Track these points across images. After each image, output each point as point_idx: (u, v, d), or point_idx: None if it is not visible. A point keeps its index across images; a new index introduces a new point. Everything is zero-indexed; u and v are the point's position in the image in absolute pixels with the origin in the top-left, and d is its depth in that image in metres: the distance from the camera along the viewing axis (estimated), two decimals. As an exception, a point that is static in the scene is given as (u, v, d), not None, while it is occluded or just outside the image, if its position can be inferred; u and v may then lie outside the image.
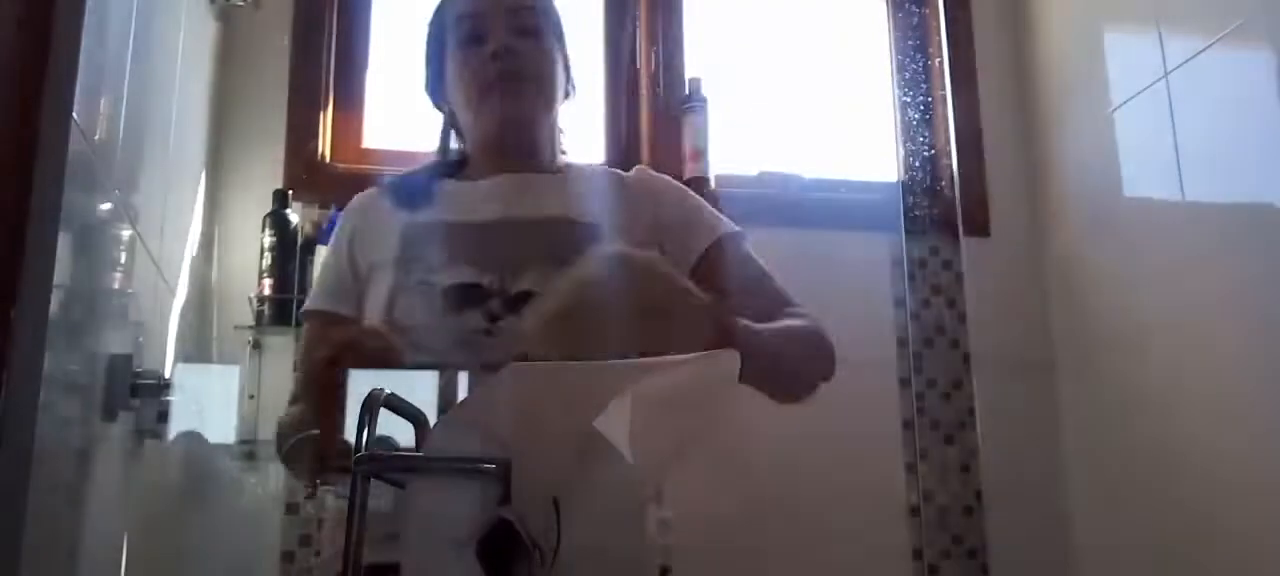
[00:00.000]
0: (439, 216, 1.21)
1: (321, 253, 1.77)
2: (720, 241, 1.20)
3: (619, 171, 1.31)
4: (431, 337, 1.12)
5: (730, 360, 0.84)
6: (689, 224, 1.23)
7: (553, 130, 1.30)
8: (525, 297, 1.10)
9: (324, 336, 1.09)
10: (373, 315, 1.15)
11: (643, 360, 0.77)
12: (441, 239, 1.17)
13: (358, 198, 1.29)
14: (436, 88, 1.32)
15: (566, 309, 0.91)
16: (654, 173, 1.32)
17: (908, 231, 2.14)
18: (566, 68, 1.31)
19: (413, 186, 1.26)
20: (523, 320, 1.06)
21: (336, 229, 1.29)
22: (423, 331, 1.12)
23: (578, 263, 0.93)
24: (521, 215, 1.19)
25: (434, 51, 1.31)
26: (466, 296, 1.12)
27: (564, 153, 1.33)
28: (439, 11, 1.33)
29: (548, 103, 1.26)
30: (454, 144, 1.33)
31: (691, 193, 1.30)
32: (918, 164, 2.22)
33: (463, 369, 1.08)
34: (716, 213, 1.26)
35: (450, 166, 1.30)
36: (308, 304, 1.26)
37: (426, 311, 1.12)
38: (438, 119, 1.36)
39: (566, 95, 1.32)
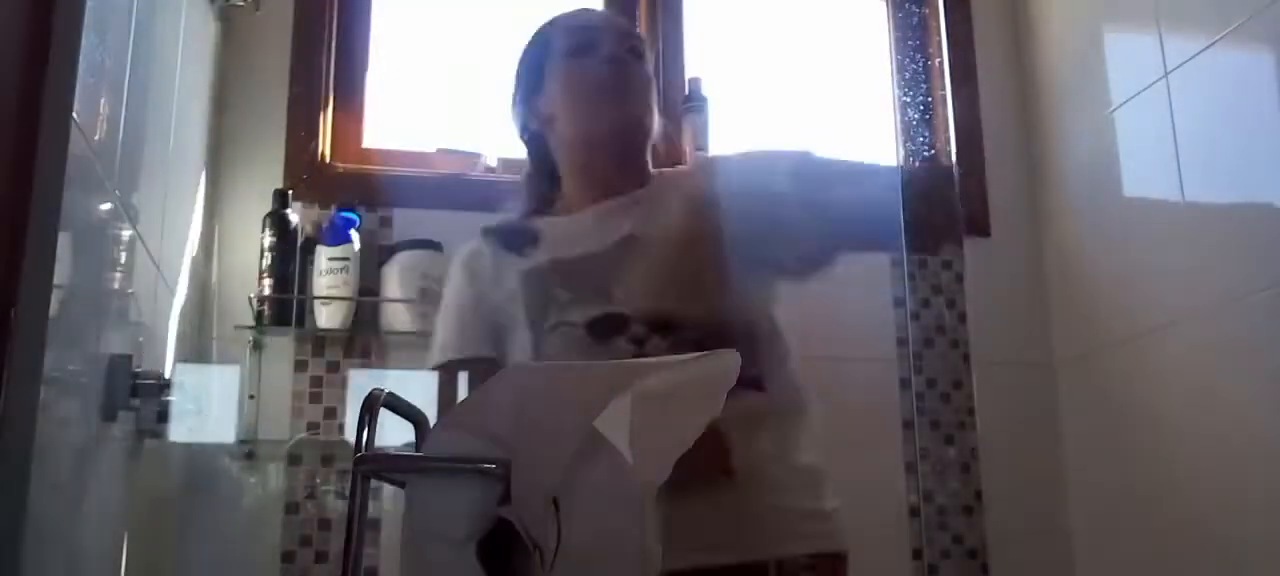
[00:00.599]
0: (556, 254, 1.22)
1: (322, 252, 1.78)
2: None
3: (683, 168, 1.35)
4: None
5: (730, 360, 0.84)
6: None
7: (649, 151, 1.31)
8: (661, 317, 1.14)
9: None
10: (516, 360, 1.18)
11: (643, 360, 0.77)
12: (566, 276, 1.19)
13: (465, 250, 1.30)
14: (529, 109, 1.31)
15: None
16: (709, 156, 1.35)
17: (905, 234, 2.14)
18: (657, 103, 1.32)
19: (517, 230, 1.28)
20: None
21: (451, 284, 1.30)
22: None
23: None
24: (639, 233, 1.20)
25: (531, 72, 1.31)
26: (608, 326, 1.15)
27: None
28: (542, 33, 1.33)
29: (649, 123, 1.28)
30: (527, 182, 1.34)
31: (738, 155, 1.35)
32: (918, 164, 2.22)
33: None
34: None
35: (541, 202, 1.31)
36: (441, 357, 1.27)
37: (574, 351, 1.15)
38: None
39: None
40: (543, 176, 1.32)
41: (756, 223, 1.18)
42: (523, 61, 1.33)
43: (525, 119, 1.32)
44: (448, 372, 1.26)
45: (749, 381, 1.09)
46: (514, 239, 1.27)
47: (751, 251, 1.18)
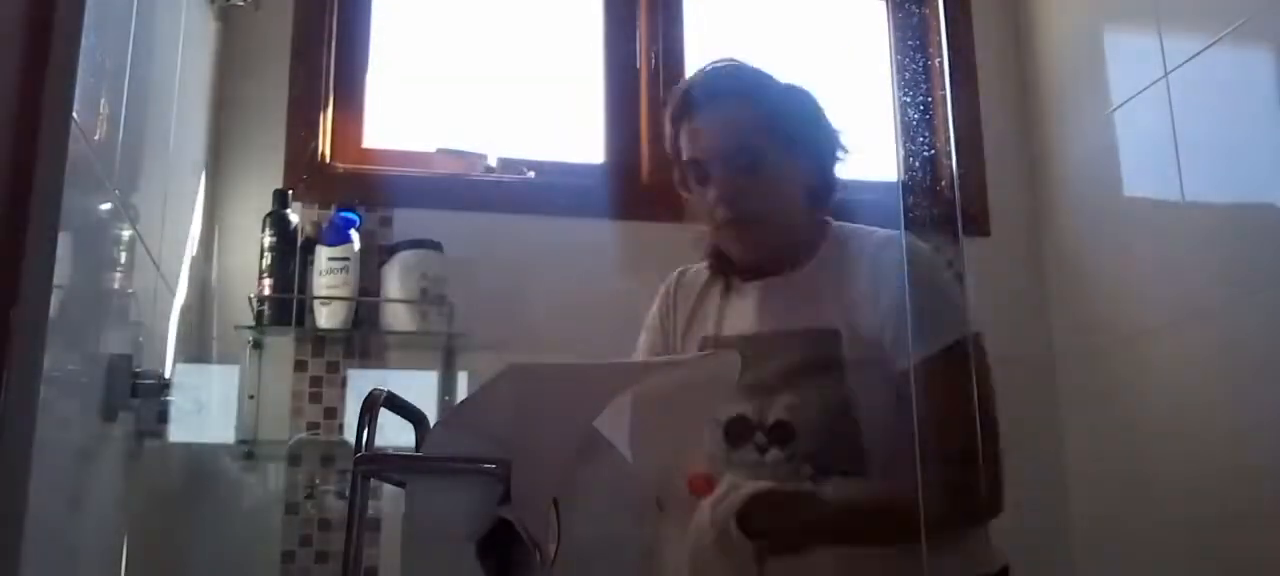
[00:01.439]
0: (717, 328, 1.25)
1: (322, 252, 1.78)
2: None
3: (872, 238, 1.27)
4: (725, 470, 1.16)
5: (729, 360, 0.84)
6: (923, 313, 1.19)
7: (797, 232, 1.26)
8: (781, 427, 1.14)
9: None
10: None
11: (643, 360, 0.77)
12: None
13: (687, 275, 1.35)
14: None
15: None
16: (905, 245, 1.26)
17: (908, 231, 2.14)
18: (818, 168, 1.28)
19: (707, 274, 1.31)
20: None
21: (659, 296, 1.36)
22: (716, 465, 1.17)
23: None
24: (771, 330, 1.21)
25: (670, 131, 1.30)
26: (739, 430, 1.17)
27: (827, 220, 1.30)
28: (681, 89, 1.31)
29: (781, 229, 1.24)
30: None
31: (937, 275, 1.27)
32: (918, 164, 2.21)
33: None
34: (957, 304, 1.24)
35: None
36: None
37: (715, 445, 1.18)
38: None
39: (821, 199, 1.28)
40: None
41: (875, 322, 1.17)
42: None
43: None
44: None
45: (851, 471, 1.13)
46: (699, 287, 1.31)
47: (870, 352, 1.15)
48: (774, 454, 1.15)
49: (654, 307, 1.36)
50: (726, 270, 1.30)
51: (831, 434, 1.14)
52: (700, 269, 1.34)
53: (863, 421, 1.14)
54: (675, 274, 1.36)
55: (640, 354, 1.33)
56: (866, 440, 1.14)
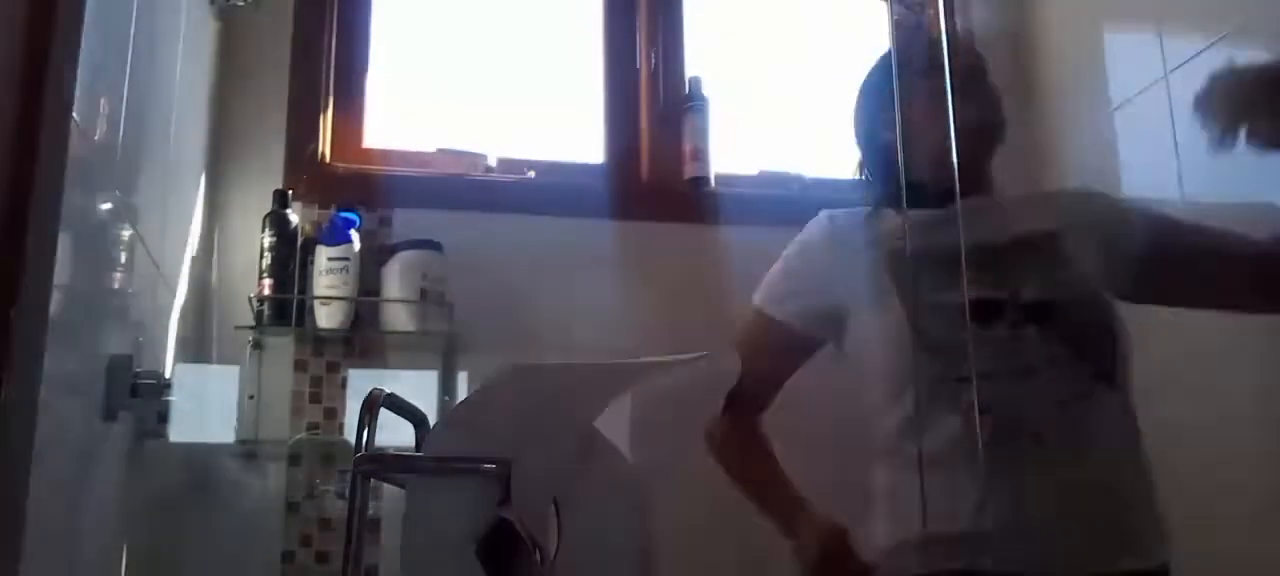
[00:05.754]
0: (936, 240, 1.28)
1: (322, 252, 1.78)
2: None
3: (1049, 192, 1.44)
4: (974, 352, 1.21)
5: (729, 360, 0.84)
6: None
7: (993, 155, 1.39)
8: (1037, 305, 1.22)
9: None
10: (874, 338, 1.28)
11: (643, 360, 0.77)
12: (950, 262, 1.24)
13: (823, 223, 1.40)
14: (877, 125, 1.41)
15: None
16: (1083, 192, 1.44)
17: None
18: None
19: (882, 218, 1.36)
20: None
21: (810, 243, 1.41)
22: (948, 344, 1.22)
23: None
24: (1016, 234, 1.29)
25: (884, 82, 1.41)
26: (990, 309, 1.23)
27: None
28: (885, 60, 1.44)
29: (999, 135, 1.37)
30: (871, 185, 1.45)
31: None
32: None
33: (992, 379, 1.20)
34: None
35: (893, 198, 1.36)
36: (760, 300, 1.39)
37: (950, 327, 1.22)
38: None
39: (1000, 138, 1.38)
40: (886, 182, 1.39)
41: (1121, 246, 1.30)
42: (872, 77, 1.44)
43: (870, 135, 1.43)
44: (758, 319, 1.38)
45: (1103, 375, 1.23)
46: (878, 227, 1.35)
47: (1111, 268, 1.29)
48: (1031, 332, 1.21)
49: (812, 255, 1.39)
50: (895, 203, 1.35)
51: (1090, 313, 1.24)
52: (851, 211, 1.40)
53: (1115, 319, 1.26)
54: (833, 217, 1.40)
55: (774, 298, 1.38)
56: (1120, 334, 1.25)
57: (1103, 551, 1.15)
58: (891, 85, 1.38)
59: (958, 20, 2.27)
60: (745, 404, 1.34)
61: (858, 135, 1.47)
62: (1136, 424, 1.28)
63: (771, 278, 1.42)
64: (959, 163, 1.28)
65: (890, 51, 1.44)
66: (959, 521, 1.18)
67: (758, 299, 1.40)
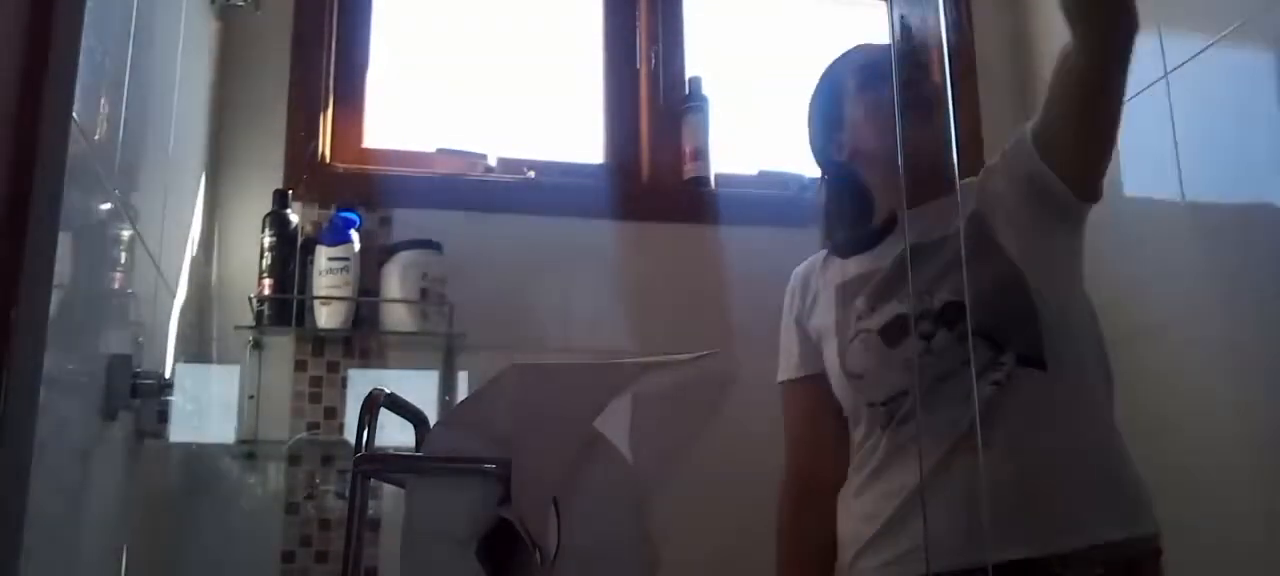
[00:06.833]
0: (856, 270, 1.33)
1: (322, 252, 1.78)
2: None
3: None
4: (884, 376, 1.24)
5: (729, 360, 0.84)
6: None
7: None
8: (947, 309, 1.20)
9: None
10: (830, 371, 1.32)
11: (643, 360, 0.77)
12: (861, 287, 1.30)
13: (800, 270, 1.44)
14: (829, 142, 1.41)
15: None
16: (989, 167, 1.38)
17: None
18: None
19: (836, 247, 1.39)
20: None
21: (787, 303, 1.43)
22: (872, 373, 1.25)
23: None
24: (928, 239, 1.26)
25: (828, 106, 1.42)
26: (897, 329, 1.23)
27: None
28: (833, 69, 1.43)
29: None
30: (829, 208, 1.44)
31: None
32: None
33: (914, 394, 1.22)
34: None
35: (853, 221, 1.38)
36: (779, 376, 1.42)
37: (867, 353, 1.25)
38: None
39: None
40: (847, 200, 1.40)
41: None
42: (819, 100, 1.44)
43: (825, 151, 1.42)
44: (788, 389, 1.41)
45: (1029, 359, 1.18)
46: (829, 257, 1.40)
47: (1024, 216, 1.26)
48: (942, 337, 1.19)
49: (784, 313, 1.43)
50: (855, 227, 1.37)
51: (1006, 305, 1.19)
52: (811, 260, 1.44)
53: (1038, 300, 1.20)
54: (798, 272, 1.44)
55: (782, 366, 1.41)
56: (1045, 319, 1.19)
57: (1054, 531, 1.13)
58: (838, 95, 1.39)
59: (951, 22, 2.27)
60: (804, 482, 1.37)
61: (813, 150, 1.47)
62: (1093, 397, 1.24)
63: (781, 353, 1.44)
64: (913, 179, 1.28)
65: (831, 67, 1.44)
66: (911, 537, 1.19)
67: (778, 379, 1.42)
